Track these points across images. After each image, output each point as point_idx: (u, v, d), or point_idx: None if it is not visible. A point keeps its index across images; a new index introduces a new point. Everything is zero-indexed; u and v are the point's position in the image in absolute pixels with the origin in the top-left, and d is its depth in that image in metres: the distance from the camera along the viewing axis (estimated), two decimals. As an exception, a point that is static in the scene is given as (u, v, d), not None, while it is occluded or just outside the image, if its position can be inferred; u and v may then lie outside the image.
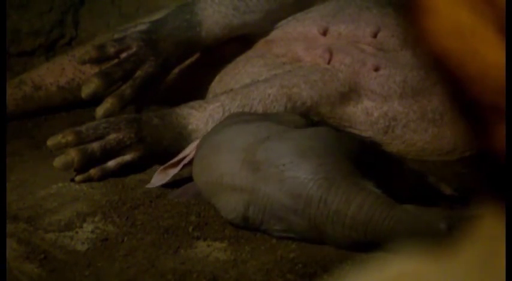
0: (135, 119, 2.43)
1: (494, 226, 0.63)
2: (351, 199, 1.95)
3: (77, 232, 2.13)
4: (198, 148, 2.24)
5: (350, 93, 2.49)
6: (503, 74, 0.59)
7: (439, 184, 2.28)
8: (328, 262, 1.97)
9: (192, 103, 2.47)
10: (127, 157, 2.39)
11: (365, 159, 2.14)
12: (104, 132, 2.38)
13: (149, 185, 2.29)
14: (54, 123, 2.78)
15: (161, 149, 2.41)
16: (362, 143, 2.31)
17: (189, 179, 2.25)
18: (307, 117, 2.40)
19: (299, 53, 2.60)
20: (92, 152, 2.35)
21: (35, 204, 2.25)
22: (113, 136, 2.38)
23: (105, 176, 2.36)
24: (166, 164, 2.30)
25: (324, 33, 2.62)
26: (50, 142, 2.35)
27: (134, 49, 2.56)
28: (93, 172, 2.36)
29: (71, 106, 2.83)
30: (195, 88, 2.70)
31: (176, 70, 2.71)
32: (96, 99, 2.52)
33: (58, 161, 2.32)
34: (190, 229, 2.12)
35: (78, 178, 2.35)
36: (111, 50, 2.56)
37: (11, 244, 2.07)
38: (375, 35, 2.56)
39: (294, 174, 2.00)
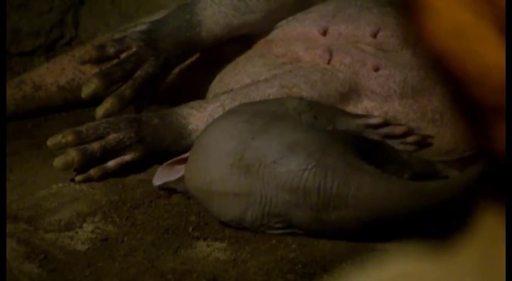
0: (135, 119, 2.43)
1: (494, 226, 0.63)
2: (349, 179, 1.95)
3: (77, 232, 2.13)
4: (191, 149, 2.23)
5: (350, 93, 2.48)
6: (504, 74, 0.59)
7: (448, 170, 2.26)
8: (328, 262, 1.97)
9: (192, 103, 2.47)
10: (127, 157, 2.39)
11: (360, 142, 2.13)
12: (104, 132, 2.38)
13: (155, 181, 2.27)
14: (54, 123, 2.78)
15: (161, 149, 2.41)
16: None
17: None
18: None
19: (299, 53, 2.59)
20: (92, 152, 2.35)
21: (35, 204, 2.25)
22: (113, 136, 2.38)
23: (105, 176, 2.36)
24: (174, 159, 2.27)
25: (324, 33, 2.61)
26: (50, 142, 2.35)
27: (134, 49, 2.56)
28: (93, 172, 2.36)
29: (71, 106, 2.82)
30: (195, 88, 2.70)
31: (176, 70, 2.71)
32: (96, 100, 2.52)
33: (58, 161, 2.32)
34: (190, 229, 2.12)
35: (78, 178, 2.35)
36: (111, 50, 2.56)
37: (11, 244, 2.07)
38: (374, 35, 2.56)
39: (286, 168, 2.00)
